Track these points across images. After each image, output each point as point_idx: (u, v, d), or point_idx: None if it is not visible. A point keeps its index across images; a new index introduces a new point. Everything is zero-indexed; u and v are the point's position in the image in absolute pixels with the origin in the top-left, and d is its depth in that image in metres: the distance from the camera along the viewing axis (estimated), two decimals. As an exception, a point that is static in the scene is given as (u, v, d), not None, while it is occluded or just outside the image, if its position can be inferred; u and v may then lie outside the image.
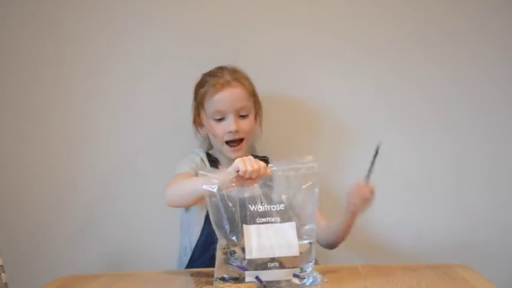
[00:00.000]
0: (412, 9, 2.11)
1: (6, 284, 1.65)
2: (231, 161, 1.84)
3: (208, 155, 1.94)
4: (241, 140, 1.87)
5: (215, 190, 1.53)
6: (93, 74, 2.12)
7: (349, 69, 2.12)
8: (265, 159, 1.84)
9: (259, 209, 1.55)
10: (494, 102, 2.11)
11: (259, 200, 1.56)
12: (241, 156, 1.81)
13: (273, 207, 1.56)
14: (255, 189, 1.56)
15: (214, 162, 1.91)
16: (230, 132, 1.85)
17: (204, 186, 1.54)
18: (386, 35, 2.10)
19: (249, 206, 1.55)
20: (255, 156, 1.82)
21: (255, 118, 1.93)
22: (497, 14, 2.10)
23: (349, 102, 2.12)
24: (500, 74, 2.11)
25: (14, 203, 2.13)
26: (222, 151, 1.89)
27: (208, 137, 1.94)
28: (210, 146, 1.97)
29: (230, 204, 1.53)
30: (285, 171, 1.57)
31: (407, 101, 2.11)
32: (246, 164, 1.55)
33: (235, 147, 1.86)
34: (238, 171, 1.54)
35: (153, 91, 2.11)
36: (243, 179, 1.55)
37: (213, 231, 1.73)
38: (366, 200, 1.71)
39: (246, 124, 1.87)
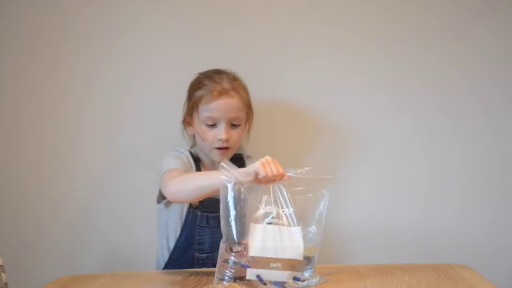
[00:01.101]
0: (415, 4, 2.10)
1: (6, 284, 1.65)
2: (214, 161, 1.87)
3: (190, 154, 1.92)
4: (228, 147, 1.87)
5: (231, 185, 1.54)
6: (86, 73, 2.11)
7: (347, 67, 2.11)
8: (240, 157, 1.89)
9: (269, 209, 1.56)
10: (503, 102, 2.10)
11: (270, 201, 1.57)
12: (227, 159, 1.82)
13: (283, 210, 1.57)
14: (268, 189, 1.57)
15: (196, 161, 1.90)
16: (220, 140, 1.84)
17: (223, 177, 1.55)
18: (387, 33, 2.10)
19: (259, 205, 1.56)
20: (236, 156, 1.88)
21: (245, 126, 1.93)
22: (504, 12, 2.09)
23: (347, 102, 2.11)
24: (507, 72, 2.10)
25: (14, 203, 2.13)
26: (209, 154, 1.88)
27: (193, 137, 1.93)
28: (193, 144, 1.96)
29: (242, 202, 1.54)
30: (300, 174, 1.57)
31: (409, 100, 2.11)
32: (266, 168, 1.56)
33: (223, 151, 1.86)
34: (257, 173, 1.56)
35: (145, 90, 2.09)
36: (259, 180, 1.57)
37: (193, 232, 1.82)
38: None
39: (236, 134, 1.86)
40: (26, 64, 2.12)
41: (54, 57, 2.11)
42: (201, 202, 1.83)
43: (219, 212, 1.81)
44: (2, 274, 1.64)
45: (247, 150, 1.98)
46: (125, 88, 2.11)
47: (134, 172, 2.11)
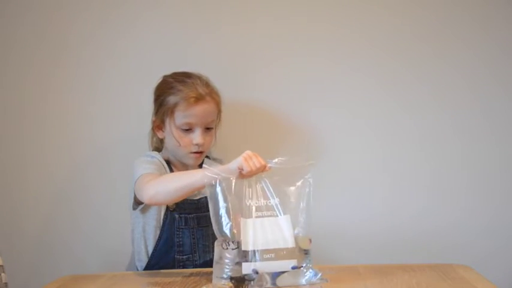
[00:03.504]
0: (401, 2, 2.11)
1: (6, 284, 1.65)
2: (185, 164, 1.88)
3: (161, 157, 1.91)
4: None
5: (217, 182, 1.56)
6: (72, 73, 2.12)
7: (328, 66, 2.11)
8: (214, 159, 1.88)
9: (256, 203, 1.58)
10: (503, 102, 2.10)
11: (256, 194, 1.58)
12: (201, 162, 1.82)
13: (269, 202, 1.59)
14: (252, 183, 1.59)
15: (168, 164, 1.89)
16: (196, 144, 1.84)
17: (206, 180, 1.57)
18: (366, 31, 2.10)
19: (246, 200, 1.58)
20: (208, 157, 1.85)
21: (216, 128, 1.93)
22: (504, 11, 2.09)
23: (341, 103, 2.12)
24: (507, 71, 2.10)
25: (14, 203, 2.13)
26: (183, 158, 1.88)
27: (161, 141, 1.92)
28: (160, 148, 1.95)
29: (229, 198, 1.56)
30: (281, 164, 1.59)
31: (408, 99, 2.11)
32: (249, 163, 1.57)
33: (198, 155, 1.86)
34: (241, 169, 1.57)
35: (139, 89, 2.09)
36: (242, 175, 1.59)
37: (172, 234, 1.82)
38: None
39: (209, 137, 1.87)
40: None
41: (35, 54, 2.11)
42: (177, 204, 1.82)
43: (197, 213, 1.84)
44: (2, 274, 1.64)
45: (213, 152, 1.98)
46: (124, 88, 2.12)
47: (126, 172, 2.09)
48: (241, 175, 1.58)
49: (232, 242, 1.54)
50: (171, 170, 1.88)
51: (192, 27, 2.10)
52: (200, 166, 1.84)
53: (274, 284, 1.54)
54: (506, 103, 2.10)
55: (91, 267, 2.09)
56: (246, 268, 1.53)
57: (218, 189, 1.56)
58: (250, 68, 2.11)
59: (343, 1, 2.10)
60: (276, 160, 1.60)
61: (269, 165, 1.60)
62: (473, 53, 2.09)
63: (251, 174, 1.58)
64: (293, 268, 1.55)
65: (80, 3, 2.11)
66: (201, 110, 1.84)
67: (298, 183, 1.61)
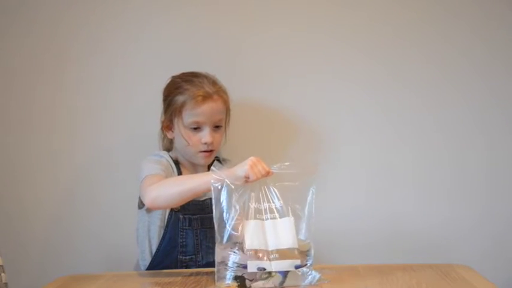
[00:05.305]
0: (398, 5, 2.11)
1: (6, 284, 1.65)
2: (194, 164, 1.88)
3: (170, 157, 1.91)
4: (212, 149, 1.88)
5: (224, 185, 1.57)
6: (79, 71, 2.12)
7: (329, 67, 2.12)
8: (218, 160, 1.89)
9: (259, 206, 1.59)
10: (490, 101, 2.10)
11: (259, 197, 1.60)
12: (211, 162, 1.83)
13: (272, 205, 1.60)
14: (256, 187, 1.60)
15: (176, 164, 1.89)
16: (205, 143, 1.84)
17: (213, 181, 1.58)
18: (368, 33, 2.10)
19: (249, 203, 1.59)
20: (216, 159, 1.88)
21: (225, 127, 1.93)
22: (495, 16, 2.10)
23: (329, 104, 2.12)
24: (493, 72, 2.10)
25: (14, 203, 2.13)
26: (192, 157, 1.88)
27: (171, 141, 1.93)
28: (170, 148, 1.95)
29: (233, 200, 1.57)
30: (284, 169, 1.60)
31: (398, 99, 2.11)
32: (255, 171, 1.59)
33: (208, 154, 1.86)
34: (248, 177, 1.59)
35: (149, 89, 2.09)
36: (246, 180, 1.60)
37: (176, 235, 1.82)
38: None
39: (218, 136, 1.87)
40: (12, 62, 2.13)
41: (42, 55, 2.11)
42: (182, 205, 1.82)
43: (201, 214, 1.84)
44: (2, 274, 1.64)
45: (222, 153, 1.98)
46: (119, 87, 2.12)
47: (129, 172, 2.10)
48: (246, 181, 1.60)
49: (235, 243, 1.55)
50: (179, 170, 1.88)
51: (201, 29, 2.10)
52: (210, 165, 1.85)
53: (277, 284, 1.55)
54: (493, 102, 2.10)
55: (98, 267, 2.09)
56: (251, 267, 1.53)
57: (224, 192, 1.57)
58: (256, 69, 2.11)
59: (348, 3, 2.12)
60: (279, 165, 1.61)
61: (272, 170, 1.61)
62: (464, 56, 2.10)
63: (256, 180, 1.60)
64: (297, 267, 1.55)
65: (88, 8, 2.11)
66: (209, 108, 1.84)
67: (302, 190, 1.61)
